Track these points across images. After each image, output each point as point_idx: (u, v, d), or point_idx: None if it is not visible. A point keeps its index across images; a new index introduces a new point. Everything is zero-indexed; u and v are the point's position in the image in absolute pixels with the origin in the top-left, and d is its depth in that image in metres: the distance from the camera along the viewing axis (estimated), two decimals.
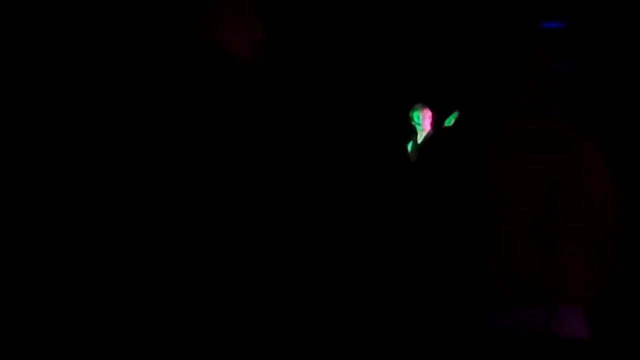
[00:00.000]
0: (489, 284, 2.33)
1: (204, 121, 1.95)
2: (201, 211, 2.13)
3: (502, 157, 2.34)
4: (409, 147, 7.17)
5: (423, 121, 7.31)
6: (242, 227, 2.31)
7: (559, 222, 2.35)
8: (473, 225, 2.34)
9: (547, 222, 2.33)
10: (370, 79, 7.82)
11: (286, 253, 2.46)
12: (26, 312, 1.93)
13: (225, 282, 2.36)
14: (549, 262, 2.33)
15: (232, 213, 2.26)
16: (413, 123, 7.29)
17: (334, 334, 2.42)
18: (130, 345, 2.09)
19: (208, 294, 2.28)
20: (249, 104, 2.20)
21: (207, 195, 2.14)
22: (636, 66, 5.47)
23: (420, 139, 7.17)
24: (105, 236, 2.11)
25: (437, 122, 7.10)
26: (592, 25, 6.07)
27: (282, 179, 2.66)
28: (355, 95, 7.55)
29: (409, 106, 7.35)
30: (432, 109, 7.30)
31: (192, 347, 2.11)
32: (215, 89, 1.97)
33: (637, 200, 3.13)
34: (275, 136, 2.62)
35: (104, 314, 2.07)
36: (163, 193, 1.99)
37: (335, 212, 2.63)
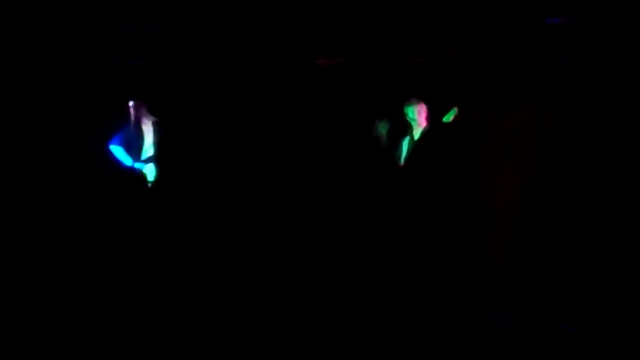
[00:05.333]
0: (485, 280, 2.33)
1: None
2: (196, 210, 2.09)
3: (498, 154, 2.33)
4: (405, 143, 7.14)
5: (418, 116, 7.28)
6: (239, 227, 2.28)
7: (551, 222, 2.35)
8: (467, 224, 2.34)
9: (540, 221, 2.34)
10: (365, 74, 7.82)
11: (283, 253, 2.43)
12: (26, 311, 1.90)
13: (225, 282, 2.32)
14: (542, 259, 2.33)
15: (229, 213, 2.22)
16: (408, 118, 7.27)
17: (330, 332, 2.40)
18: (129, 343, 2.06)
19: (207, 293, 2.25)
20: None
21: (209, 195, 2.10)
22: (637, 63, 5.47)
23: (415, 135, 7.14)
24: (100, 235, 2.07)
25: (432, 118, 7.08)
26: (594, 21, 6.07)
27: (276, 178, 2.63)
28: (351, 91, 7.55)
29: (404, 101, 7.33)
30: (427, 104, 7.28)
31: (191, 347, 2.07)
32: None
33: (637, 199, 3.11)
34: (267, 135, 2.58)
35: (103, 312, 2.04)
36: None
37: (328, 210, 2.61)
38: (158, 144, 6.28)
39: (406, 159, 6.71)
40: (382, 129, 6.58)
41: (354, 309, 2.44)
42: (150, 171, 6.42)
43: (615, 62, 5.77)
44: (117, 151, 6.42)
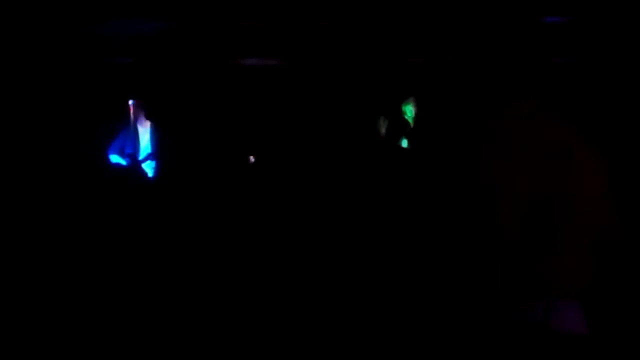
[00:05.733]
0: (485, 280, 2.33)
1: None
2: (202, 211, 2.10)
3: (499, 156, 2.33)
4: (403, 141, 7.13)
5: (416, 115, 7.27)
6: (241, 226, 2.27)
7: (556, 221, 2.34)
8: (470, 223, 2.33)
9: (544, 220, 2.33)
10: (363, 74, 7.82)
11: (284, 253, 2.44)
12: (26, 312, 1.90)
13: (225, 282, 2.32)
14: (545, 258, 2.33)
15: (231, 213, 2.22)
16: (406, 117, 7.26)
17: (335, 334, 2.40)
18: (129, 344, 2.06)
19: (207, 293, 2.25)
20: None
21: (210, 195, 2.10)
22: (637, 62, 5.47)
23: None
24: (105, 236, 2.07)
25: (431, 117, 7.08)
26: (593, 20, 6.08)
27: (276, 178, 2.63)
28: (348, 91, 7.56)
29: (402, 100, 7.33)
30: (425, 103, 7.28)
31: (191, 347, 2.08)
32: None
33: (637, 199, 3.11)
34: (267, 134, 2.57)
35: (104, 313, 2.04)
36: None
37: (328, 211, 2.61)
38: (156, 143, 6.29)
39: (404, 157, 6.70)
40: (382, 128, 6.59)
41: (365, 308, 2.44)
42: (148, 170, 6.43)
43: (615, 62, 5.78)
44: (115, 159, 6.43)
